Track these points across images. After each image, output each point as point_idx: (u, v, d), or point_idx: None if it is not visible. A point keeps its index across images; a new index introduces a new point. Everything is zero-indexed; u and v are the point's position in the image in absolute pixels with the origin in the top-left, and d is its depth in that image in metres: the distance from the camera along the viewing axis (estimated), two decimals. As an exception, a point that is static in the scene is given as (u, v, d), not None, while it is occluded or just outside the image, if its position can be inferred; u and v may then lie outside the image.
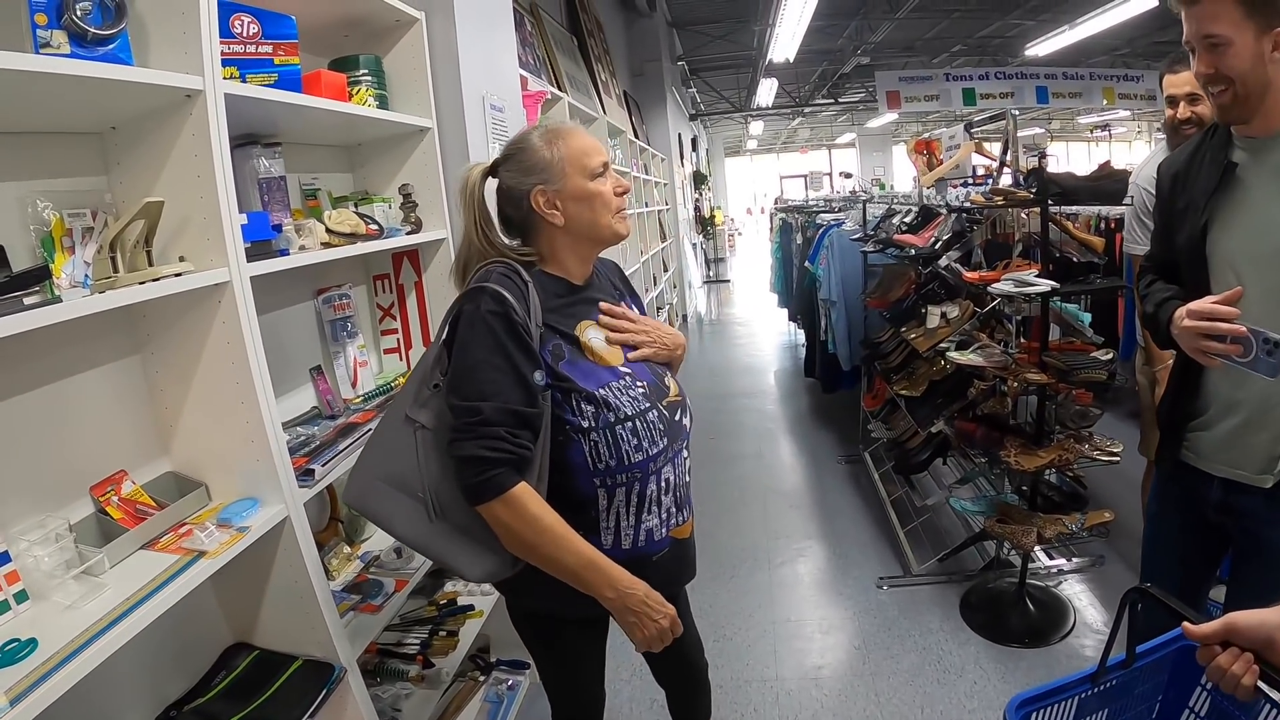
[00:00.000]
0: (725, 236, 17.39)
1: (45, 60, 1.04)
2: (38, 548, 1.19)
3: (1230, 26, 1.24)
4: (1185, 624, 0.96)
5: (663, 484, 1.37)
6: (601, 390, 1.29)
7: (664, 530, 1.39)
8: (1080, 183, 2.58)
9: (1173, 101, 2.35)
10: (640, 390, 1.33)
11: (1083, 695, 1.10)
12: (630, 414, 1.30)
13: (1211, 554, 1.61)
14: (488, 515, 1.23)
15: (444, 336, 1.32)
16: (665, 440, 1.35)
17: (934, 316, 3.11)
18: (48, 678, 1.00)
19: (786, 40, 8.02)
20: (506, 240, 1.40)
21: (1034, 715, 1.07)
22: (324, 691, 1.45)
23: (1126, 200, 2.57)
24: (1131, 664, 1.09)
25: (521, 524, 1.21)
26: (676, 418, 1.40)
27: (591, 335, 1.36)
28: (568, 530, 1.24)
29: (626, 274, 1.65)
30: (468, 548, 1.31)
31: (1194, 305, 1.31)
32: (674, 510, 1.41)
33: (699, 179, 13.88)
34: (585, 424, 1.28)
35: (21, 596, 1.17)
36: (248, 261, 1.37)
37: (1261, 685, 0.91)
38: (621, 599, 1.27)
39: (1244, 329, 1.23)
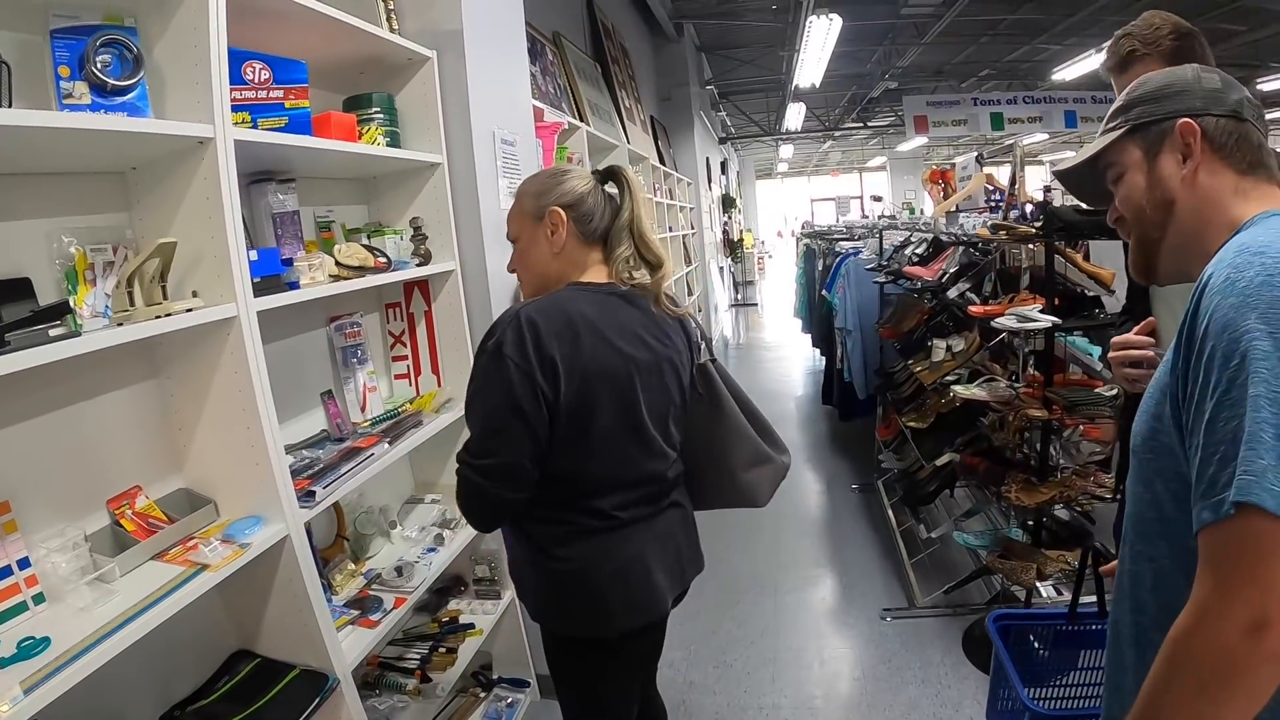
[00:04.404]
0: (754, 260, 17.41)
1: (64, 116, 1.14)
2: (56, 555, 1.29)
3: None
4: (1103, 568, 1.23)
5: None
6: None
7: None
8: (1083, 217, 2.61)
9: None
10: None
11: (1059, 628, 1.35)
12: None
13: None
14: None
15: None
16: None
17: (939, 350, 3.15)
18: (58, 672, 1.09)
19: (812, 66, 8.11)
20: None
21: (1010, 630, 1.36)
22: (318, 699, 1.52)
23: None
24: (1105, 615, 1.32)
25: None
26: None
27: None
28: None
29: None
30: None
31: (1116, 339, 1.41)
32: None
33: (728, 202, 13.95)
34: None
35: (39, 599, 1.27)
36: (255, 296, 1.46)
37: None
38: None
39: (1151, 354, 1.32)
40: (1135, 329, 1.40)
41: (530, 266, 1.53)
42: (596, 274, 1.50)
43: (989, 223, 3.05)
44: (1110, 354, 1.42)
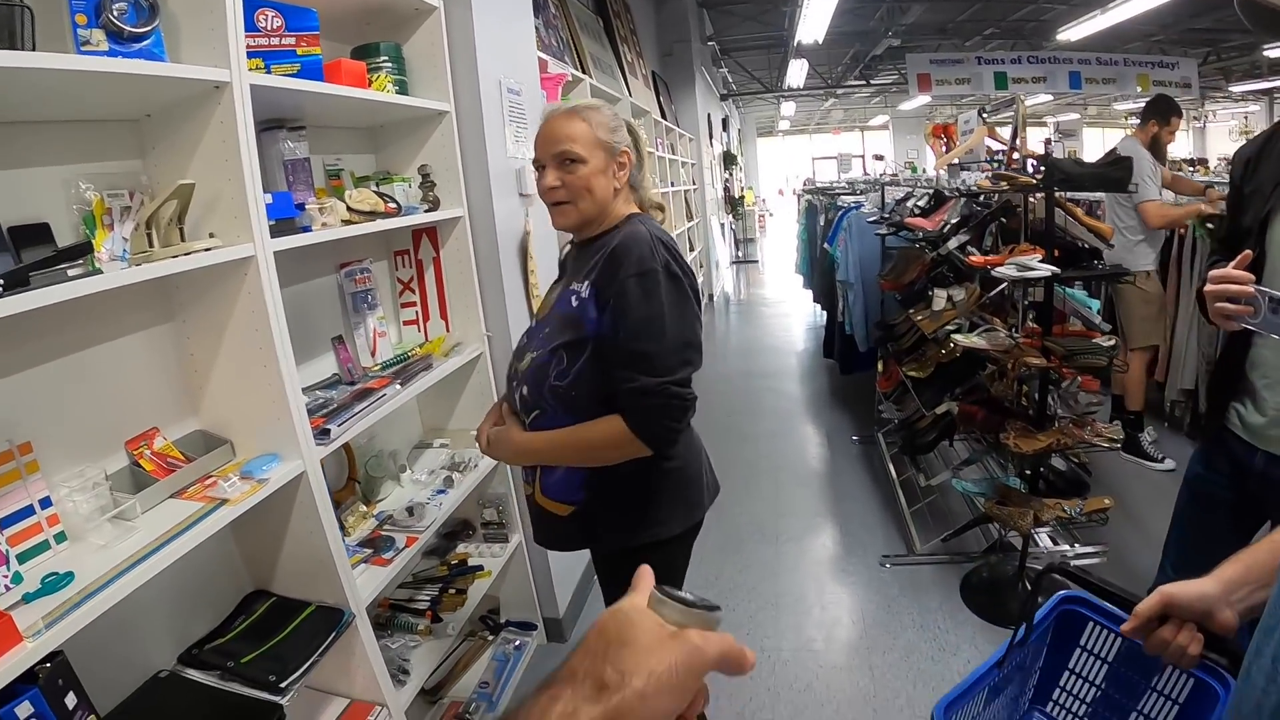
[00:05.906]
0: (755, 217, 17.32)
1: (85, 60, 1.15)
2: (77, 494, 1.32)
3: None
4: (1125, 625, 0.98)
5: None
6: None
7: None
8: (1084, 169, 2.62)
9: None
10: (520, 343, 1.66)
11: (992, 682, 1.09)
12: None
13: (1249, 523, 1.66)
14: None
15: None
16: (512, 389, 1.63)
17: (940, 299, 3.17)
18: (80, 605, 1.12)
19: (815, 21, 7.96)
20: None
21: (956, 714, 1.05)
22: (333, 634, 1.57)
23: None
24: (1027, 640, 1.09)
25: None
26: (514, 383, 1.62)
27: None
28: None
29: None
30: None
31: (1214, 273, 1.33)
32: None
33: (729, 159, 13.84)
34: None
35: (61, 537, 1.30)
36: (271, 238, 1.49)
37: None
38: None
39: (1251, 289, 1.24)
40: (1233, 262, 1.31)
41: (595, 194, 1.54)
42: (632, 209, 1.61)
43: (979, 180, 3.06)
44: (1206, 288, 1.33)
